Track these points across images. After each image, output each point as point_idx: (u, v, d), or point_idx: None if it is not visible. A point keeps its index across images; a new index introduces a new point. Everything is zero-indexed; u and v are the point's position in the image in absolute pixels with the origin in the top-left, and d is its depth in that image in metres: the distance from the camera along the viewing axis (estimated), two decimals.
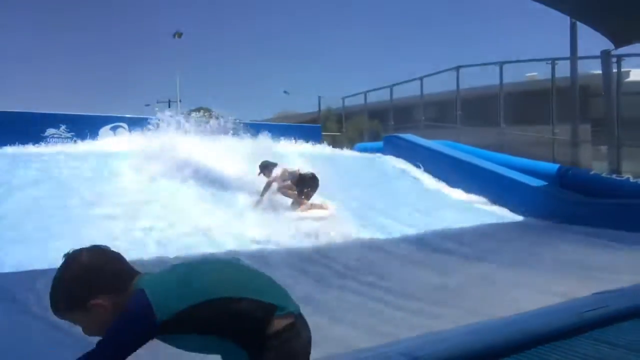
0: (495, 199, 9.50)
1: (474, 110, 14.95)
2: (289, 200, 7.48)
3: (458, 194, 9.85)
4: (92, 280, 1.39)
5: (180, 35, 27.35)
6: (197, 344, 1.45)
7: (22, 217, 5.77)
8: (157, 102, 43.14)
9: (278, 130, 13.11)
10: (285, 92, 39.42)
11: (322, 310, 3.72)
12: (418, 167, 11.12)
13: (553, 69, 13.33)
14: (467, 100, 15.06)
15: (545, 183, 9.43)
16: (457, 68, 14.87)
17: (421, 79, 16.03)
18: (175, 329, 1.38)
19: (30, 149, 9.01)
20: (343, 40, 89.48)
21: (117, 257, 1.47)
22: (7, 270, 4.44)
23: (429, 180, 10.58)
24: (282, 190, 7.45)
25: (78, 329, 1.46)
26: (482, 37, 71.54)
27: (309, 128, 15.70)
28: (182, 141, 8.28)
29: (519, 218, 8.78)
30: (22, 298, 3.81)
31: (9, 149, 8.59)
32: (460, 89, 14.94)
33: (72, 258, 1.42)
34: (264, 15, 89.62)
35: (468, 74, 15.19)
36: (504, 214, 8.96)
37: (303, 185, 7.37)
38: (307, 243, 6.04)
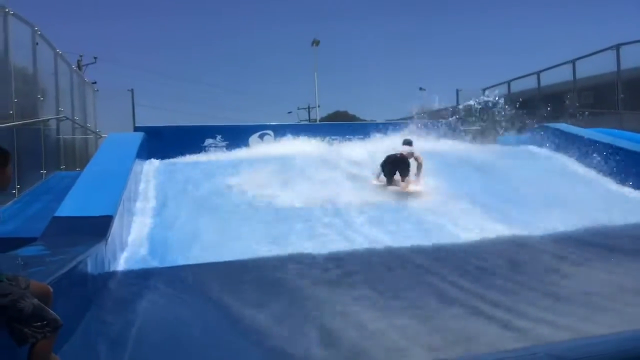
0: None
1: None
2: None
3: (629, 191, 8.72)
4: None
5: (317, 43, 28.23)
6: None
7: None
8: (298, 109, 45.45)
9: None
10: (421, 88, 38.69)
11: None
12: (575, 159, 10.15)
13: None
14: (630, 82, 13.33)
15: None
16: (617, 46, 13.24)
17: (573, 61, 14.60)
18: None
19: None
20: (480, 26, 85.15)
21: None
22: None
23: (589, 175, 9.58)
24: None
25: None
26: None
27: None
28: None
29: None
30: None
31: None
32: (622, 69, 13.28)
33: None
34: (393, 14, 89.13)
35: (630, 52, 13.43)
36: None
37: (393, 167, 8.39)
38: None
